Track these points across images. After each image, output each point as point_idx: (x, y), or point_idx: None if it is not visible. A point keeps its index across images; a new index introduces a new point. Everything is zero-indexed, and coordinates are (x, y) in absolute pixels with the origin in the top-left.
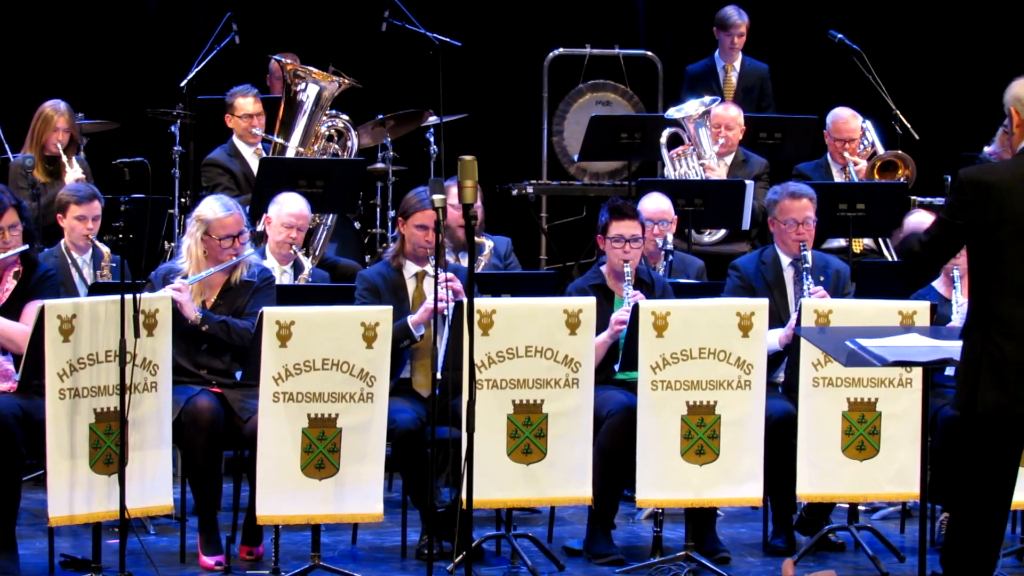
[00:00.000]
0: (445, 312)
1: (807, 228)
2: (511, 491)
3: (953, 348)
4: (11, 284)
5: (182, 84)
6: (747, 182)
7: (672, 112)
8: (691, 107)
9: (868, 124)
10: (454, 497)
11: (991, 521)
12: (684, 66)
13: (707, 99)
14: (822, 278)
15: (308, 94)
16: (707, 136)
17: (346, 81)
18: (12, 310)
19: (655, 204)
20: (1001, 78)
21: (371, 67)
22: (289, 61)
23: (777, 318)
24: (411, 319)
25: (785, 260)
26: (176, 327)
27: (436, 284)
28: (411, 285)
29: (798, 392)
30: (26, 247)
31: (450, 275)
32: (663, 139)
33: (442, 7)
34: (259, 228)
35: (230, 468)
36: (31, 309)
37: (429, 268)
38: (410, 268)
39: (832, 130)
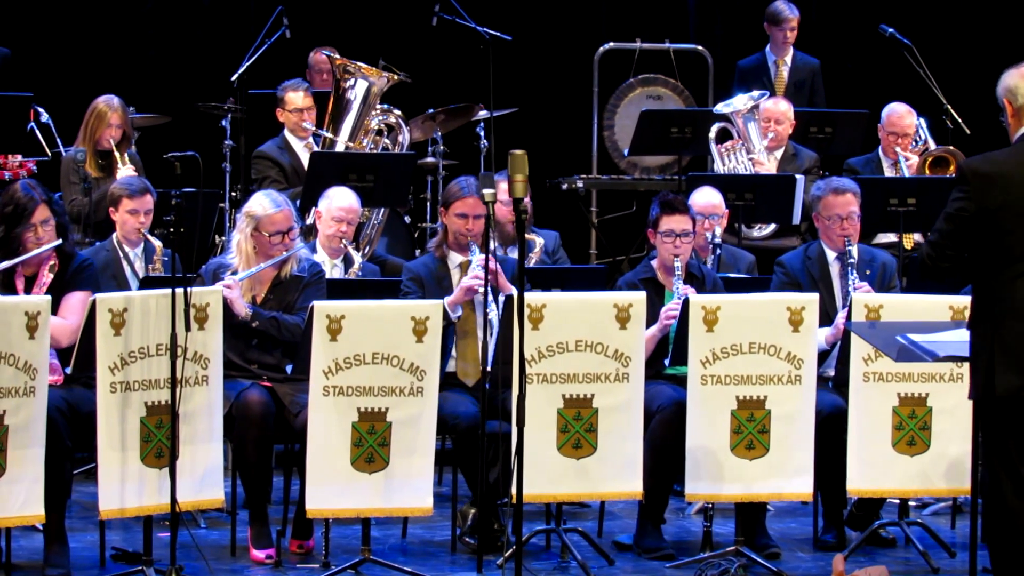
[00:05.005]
0: (477, 289)
1: (851, 223)
2: (561, 486)
3: None
4: (48, 278)
5: (233, 78)
6: (797, 176)
7: (720, 107)
8: (739, 102)
9: (922, 121)
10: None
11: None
12: (734, 60)
13: (755, 93)
14: (868, 271)
15: (356, 90)
16: (756, 130)
17: (395, 76)
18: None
19: (705, 198)
20: None
21: (422, 61)
22: (338, 56)
23: (824, 313)
24: (447, 300)
25: (831, 255)
26: (226, 322)
27: (477, 266)
28: (455, 275)
29: (848, 387)
30: (59, 242)
31: (488, 257)
32: (711, 134)
33: (493, 1)
34: (309, 222)
35: (280, 462)
36: (69, 301)
37: (472, 257)
38: (454, 258)
39: (886, 124)
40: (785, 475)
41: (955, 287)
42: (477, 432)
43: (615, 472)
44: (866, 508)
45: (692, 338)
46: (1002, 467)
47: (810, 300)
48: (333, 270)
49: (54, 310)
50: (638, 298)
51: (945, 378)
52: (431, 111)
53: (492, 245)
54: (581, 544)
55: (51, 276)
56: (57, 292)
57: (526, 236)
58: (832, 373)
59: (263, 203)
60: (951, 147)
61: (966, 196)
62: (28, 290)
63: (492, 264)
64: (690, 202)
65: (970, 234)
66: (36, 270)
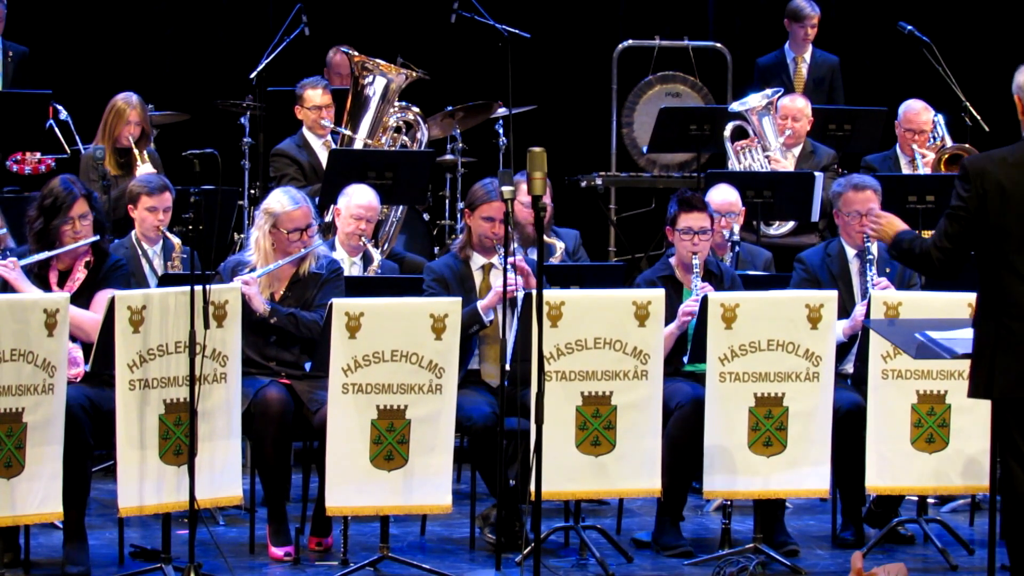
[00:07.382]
0: (514, 294)
1: (871, 219)
2: (580, 483)
3: None
4: (82, 273)
5: (252, 76)
6: (816, 173)
7: (735, 105)
8: (754, 100)
9: (939, 118)
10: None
11: None
12: (753, 57)
13: (769, 91)
14: (888, 269)
15: (375, 86)
16: (772, 127)
17: (414, 73)
18: (82, 299)
19: (722, 196)
20: None
21: (440, 59)
22: (356, 53)
23: (843, 310)
24: (480, 304)
25: (850, 252)
26: (245, 319)
27: (504, 269)
28: (478, 276)
29: (867, 384)
30: (96, 237)
31: (518, 256)
32: (727, 132)
33: None
34: (327, 219)
35: (299, 459)
36: (101, 298)
37: (496, 260)
38: (477, 260)
39: (903, 120)
40: (803, 472)
41: (974, 284)
42: (491, 433)
43: (634, 469)
44: (885, 505)
45: (711, 335)
46: (1014, 460)
47: (828, 297)
48: (352, 267)
49: (85, 306)
50: (657, 295)
51: (964, 375)
52: (450, 108)
53: (512, 246)
54: (600, 541)
55: (85, 272)
56: (90, 289)
57: (546, 240)
58: (850, 370)
59: (281, 200)
60: (967, 144)
61: (968, 194)
62: (62, 284)
63: (523, 263)
64: (706, 200)
65: (974, 232)
66: (71, 264)
